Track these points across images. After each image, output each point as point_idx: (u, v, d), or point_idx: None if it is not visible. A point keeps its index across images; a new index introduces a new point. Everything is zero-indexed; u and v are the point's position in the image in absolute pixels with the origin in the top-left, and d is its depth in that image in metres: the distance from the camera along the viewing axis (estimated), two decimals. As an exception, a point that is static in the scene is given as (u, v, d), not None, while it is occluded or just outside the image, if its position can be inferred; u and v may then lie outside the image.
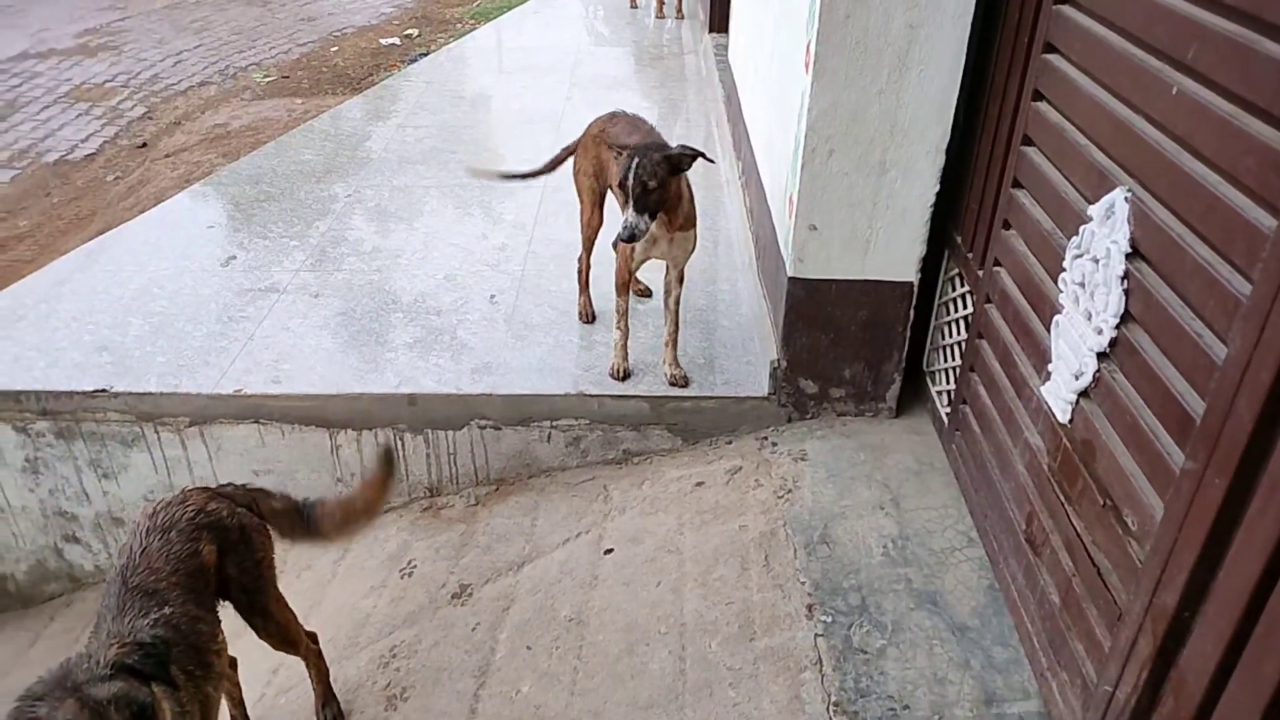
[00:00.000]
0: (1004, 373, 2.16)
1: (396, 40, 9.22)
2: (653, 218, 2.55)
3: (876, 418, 2.79)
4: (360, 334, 3.22)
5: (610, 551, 2.62)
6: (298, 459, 2.98)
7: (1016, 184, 2.14)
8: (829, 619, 2.15)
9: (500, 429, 2.97)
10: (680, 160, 2.57)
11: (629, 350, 2.98)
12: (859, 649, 2.08)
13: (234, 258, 3.71)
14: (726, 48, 5.50)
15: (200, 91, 8.40)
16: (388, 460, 2.32)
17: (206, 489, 2.13)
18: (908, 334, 2.65)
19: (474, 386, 2.96)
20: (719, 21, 6.27)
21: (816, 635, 2.12)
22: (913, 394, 2.81)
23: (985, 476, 2.26)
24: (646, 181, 2.48)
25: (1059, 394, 1.85)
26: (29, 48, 9.36)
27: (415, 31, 9.47)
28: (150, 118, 8.01)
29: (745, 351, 3.08)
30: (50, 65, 8.96)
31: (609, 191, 3.06)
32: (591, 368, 3.03)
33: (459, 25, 9.54)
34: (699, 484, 2.75)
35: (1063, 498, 1.83)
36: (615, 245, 2.53)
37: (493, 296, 3.46)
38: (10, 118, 7.99)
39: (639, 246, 2.78)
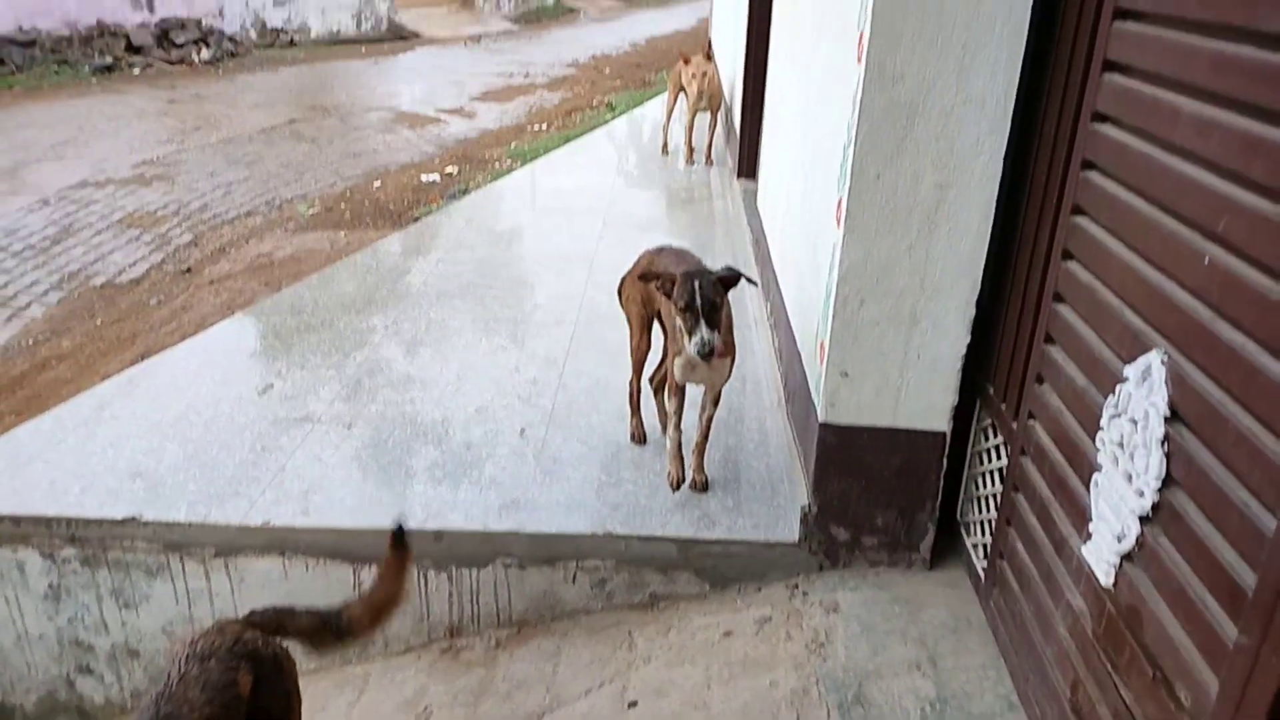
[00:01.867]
0: (1042, 529, 2.12)
1: (437, 177, 9.62)
2: (718, 332, 2.68)
3: (911, 569, 2.72)
4: (390, 466, 3.23)
5: (634, 705, 2.53)
6: (320, 594, 2.93)
7: (1049, 339, 2.16)
8: (865, 787, 2.05)
9: (525, 568, 2.93)
10: (728, 281, 2.75)
11: (683, 459, 3.09)
12: (897, 822, 1.97)
13: (271, 386, 3.78)
14: (755, 193, 5.71)
15: (246, 221, 8.76)
16: (400, 540, 2.32)
17: (240, 620, 2.13)
18: (941, 483, 2.63)
19: (501, 523, 2.94)
20: (747, 168, 6.52)
21: (852, 805, 2.01)
22: (948, 544, 2.76)
23: (1026, 638, 2.18)
24: (714, 299, 2.67)
25: (1101, 556, 1.81)
26: (88, 176, 9.86)
27: (455, 169, 9.90)
28: (196, 245, 8.33)
29: (774, 494, 3.06)
30: (107, 193, 9.41)
31: (655, 319, 3.25)
32: (619, 506, 3.01)
33: (497, 164, 9.96)
34: (727, 633, 2.67)
35: (1109, 666, 1.76)
36: (702, 356, 2.65)
37: (523, 430, 3.48)
38: (64, 242, 8.34)
39: (679, 370, 2.93)
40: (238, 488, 3.07)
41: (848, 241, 2.42)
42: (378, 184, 9.65)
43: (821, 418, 2.61)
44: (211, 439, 3.37)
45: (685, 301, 2.66)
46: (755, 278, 4.79)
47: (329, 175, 10.06)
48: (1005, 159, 2.29)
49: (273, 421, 3.50)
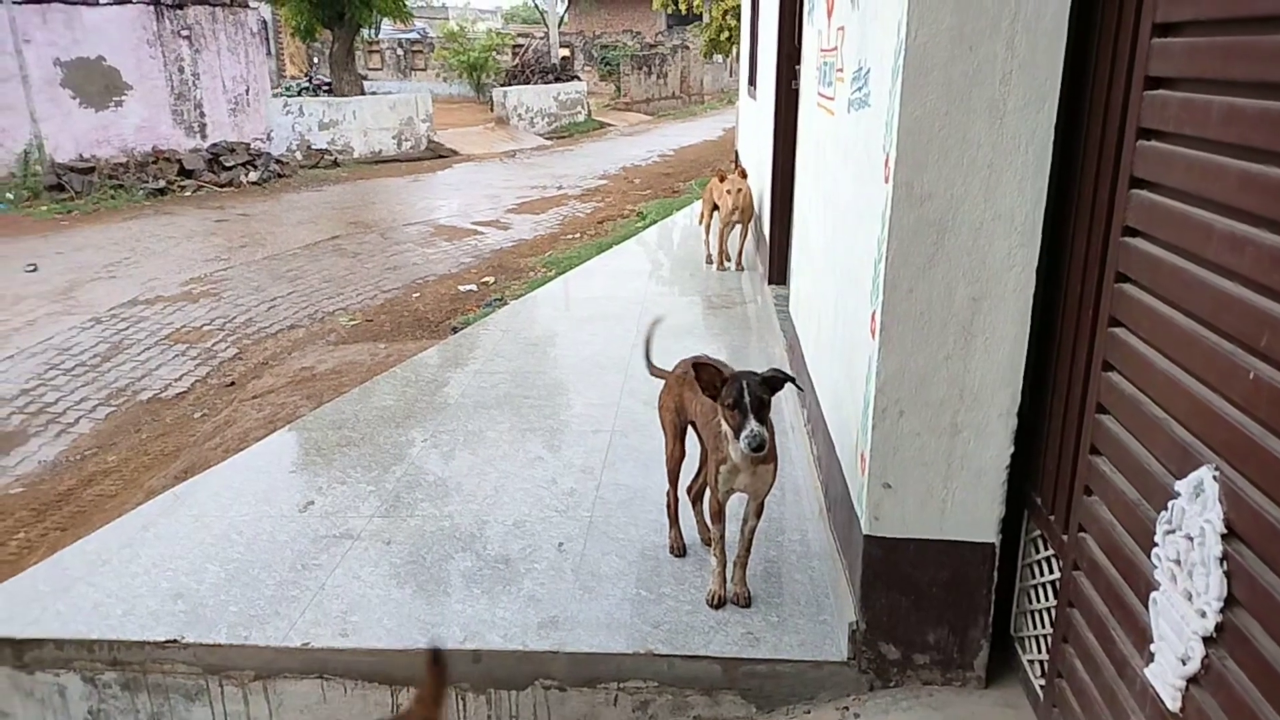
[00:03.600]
0: (1101, 648, 2.05)
1: (474, 287, 9.86)
2: (765, 427, 2.70)
3: (965, 687, 2.63)
4: (429, 583, 3.22)
5: (681, 835, 2.43)
6: (358, 718, 2.89)
7: (1095, 450, 2.13)
8: None
9: (565, 690, 2.87)
10: (774, 383, 2.78)
11: (725, 577, 3.07)
12: None
13: (312, 503, 3.82)
14: (787, 299, 5.77)
15: (289, 334, 8.99)
16: (438, 660, 1.90)
17: None
18: (992, 597, 2.56)
19: (540, 643, 2.89)
20: (777, 274, 6.62)
21: None
22: (1003, 660, 2.66)
23: (1092, 763, 2.08)
24: (762, 396, 2.70)
25: (1165, 679, 1.73)
26: (139, 295, 10.23)
27: (491, 279, 10.15)
28: (240, 359, 8.54)
29: (820, 609, 2.99)
30: (155, 310, 9.75)
31: (689, 427, 3.30)
32: (660, 624, 2.95)
33: (532, 274, 10.20)
34: (776, 758, 2.58)
35: (1185, 799, 1.67)
36: (753, 449, 2.66)
37: (561, 544, 3.46)
38: (114, 358, 8.60)
39: (723, 478, 2.93)
40: (278, 608, 3.07)
41: (884, 354, 2.44)
42: (417, 295, 9.91)
43: (865, 530, 2.58)
44: (253, 558, 3.39)
45: (733, 399, 2.69)
46: (789, 390, 4.81)
47: (370, 288, 10.35)
48: (1038, 271, 2.32)
49: (313, 539, 3.52)
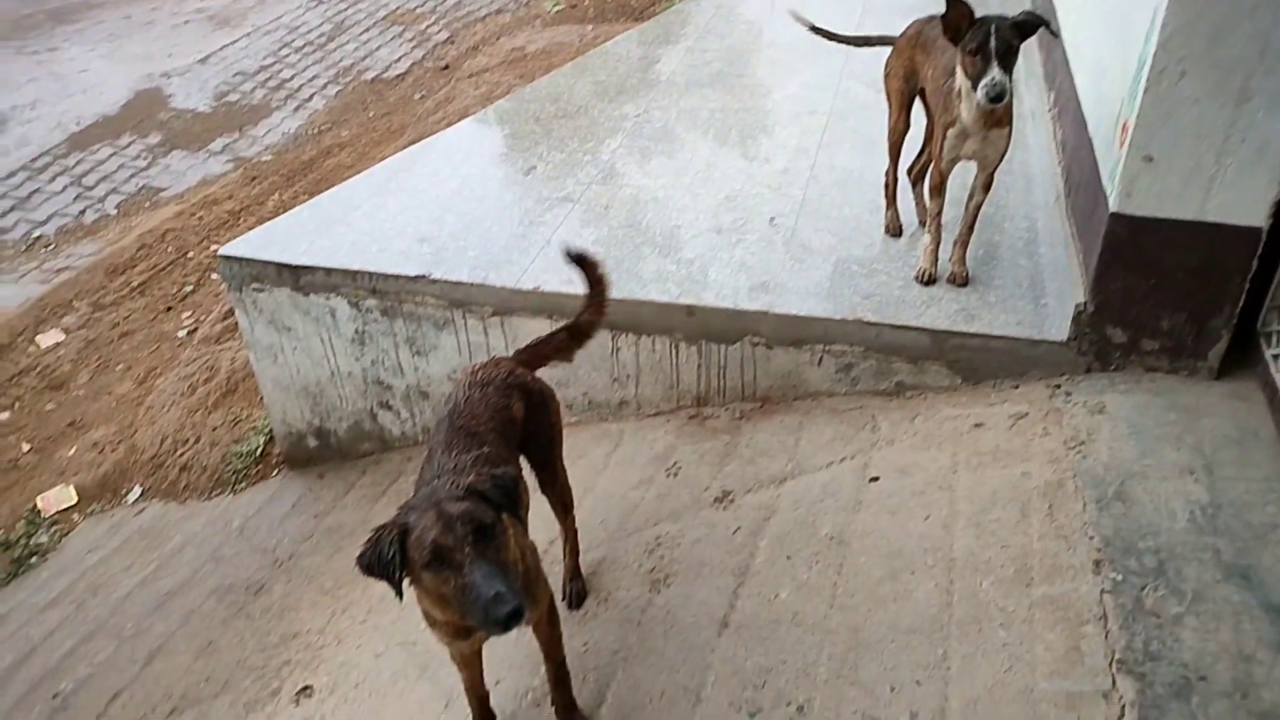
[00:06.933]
0: (1374, 334, 1.89)
1: (681, -31, 9.27)
2: (1010, 78, 2.51)
3: (1193, 377, 2.53)
4: (644, 245, 3.35)
5: (876, 479, 2.60)
6: (581, 356, 3.14)
7: None
8: (1119, 576, 2.02)
9: (771, 348, 3.01)
10: (1025, 27, 2.53)
11: (938, 256, 3.00)
12: (1151, 612, 1.94)
13: (534, 168, 3.97)
14: (1041, -28, 5.07)
15: (497, 19, 8.94)
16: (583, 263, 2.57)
17: (510, 357, 2.41)
18: (1245, 287, 2.37)
19: (750, 303, 3.00)
20: (1033, -56, 5.76)
21: (1103, 591, 2.01)
22: (1239, 355, 2.52)
23: (1330, 450, 2.00)
24: (1010, 41, 2.48)
25: None
26: (356, -25, 10.31)
27: (699, -40, 9.47)
28: (452, 42, 8.65)
29: (1041, 293, 2.90)
30: (371, -10, 9.85)
31: (916, 97, 3.13)
32: (871, 295, 2.97)
33: (743, -46, 9.42)
34: (977, 425, 2.65)
35: None
36: (987, 101, 2.49)
37: (772, 219, 3.47)
38: (337, 38, 8.93)
39: (949, 143, 2.77)
40: (510, 256, 3.31)
41: (1174, 3, 2.12)
42: (622, -22, 9.46)
43: (1113, 207, 2.40)
44: (484, 213, 3.62)
45: (977, 43, 2.47)
46: (1035, 73, 4.35)
47: (574, -30, 9.96)
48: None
49: (537, 200, 3.70)
